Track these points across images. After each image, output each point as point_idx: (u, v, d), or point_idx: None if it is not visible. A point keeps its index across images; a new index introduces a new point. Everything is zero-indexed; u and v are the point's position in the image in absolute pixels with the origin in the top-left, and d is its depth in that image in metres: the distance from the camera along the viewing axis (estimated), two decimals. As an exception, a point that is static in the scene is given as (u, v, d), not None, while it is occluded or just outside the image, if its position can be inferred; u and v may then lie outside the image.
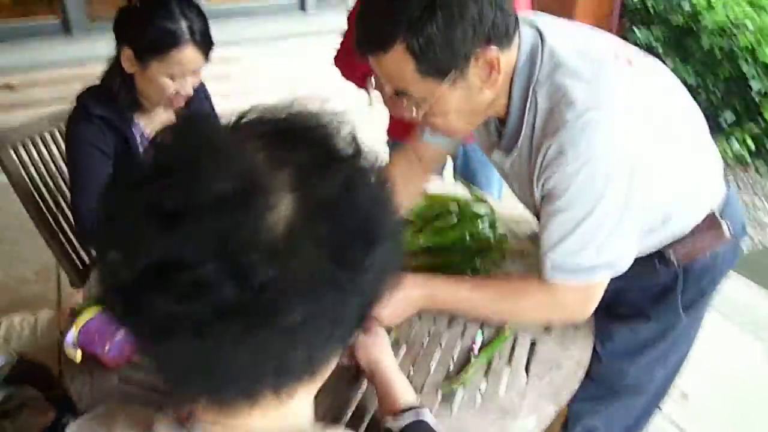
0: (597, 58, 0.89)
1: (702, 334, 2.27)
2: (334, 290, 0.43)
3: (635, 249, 0.95)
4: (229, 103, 3.57)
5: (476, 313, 1.10)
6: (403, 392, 0.89)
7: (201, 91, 1.72)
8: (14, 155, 1.65)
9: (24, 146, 1.69)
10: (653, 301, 1.11)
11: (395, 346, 1.12)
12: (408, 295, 1.05)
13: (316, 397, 0.55)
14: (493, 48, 0.85)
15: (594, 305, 0.99)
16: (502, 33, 0.86)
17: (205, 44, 1.44)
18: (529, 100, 0.91)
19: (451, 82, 0.87)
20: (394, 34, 0.83)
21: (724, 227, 1.01)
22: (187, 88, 1.47)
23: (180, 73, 1.44)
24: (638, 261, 1.07)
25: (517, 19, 0.89)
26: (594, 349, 1.19)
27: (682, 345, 1.18)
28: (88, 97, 1.50)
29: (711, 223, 1.02)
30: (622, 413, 1.27)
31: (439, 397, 1.01)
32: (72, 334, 1.06)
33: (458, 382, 1.02)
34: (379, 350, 0.94)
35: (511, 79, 0.91)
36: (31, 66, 3.18)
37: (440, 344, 1.13)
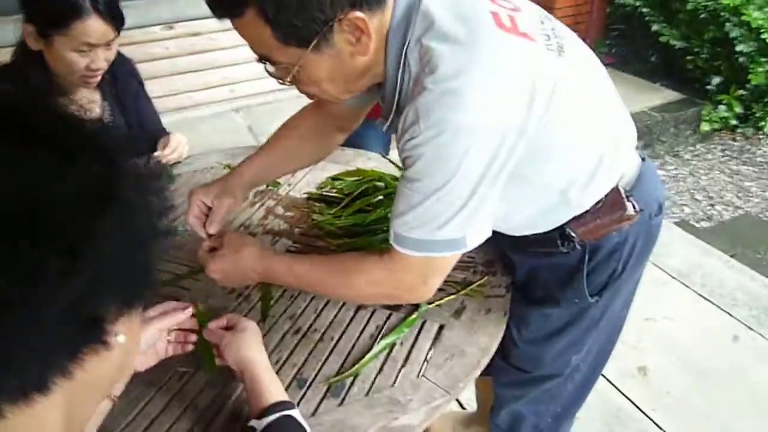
0: (476, 21, 0.81)
1: (671, 305, 2.24)
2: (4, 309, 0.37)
3: (488, 229, 0.88)
4: (199, 78, 3.47)
5: (315, 290, 1.06)
6: (270, 389, 0.84)
7: (126, 67, 1.65)
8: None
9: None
10: (561, 284, 1.04)
11: (295, 334, 1.07)
12: (240, 267, 1.02)
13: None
14: (358, 12, 0.78)
15: (436, 282, 0.91)
16: None
17: (112, 14, 1.37)
18: (401, 64, 0.83)
19: (315, 50, 0.80)
20: None
21: (629, 205, 0.94)
22: (99, 62, 1.40)
23: (88, 47, 1.37)
24: (542, 238, 1.01)
25: None
26: (511, 335, 1.14)
27: (601, 330, 1.12)
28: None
29: (614, 200, 0.94)
30: (547, 399, 1.22)
31: (328, 389, 0.96)
32: None
33: (348, 374, 0.98)
34: (246, 347, 0.88)
35: (386, 42, 0.84)
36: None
37: (343, 332, 1.08)
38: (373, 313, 1.11)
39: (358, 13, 0.77)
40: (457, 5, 0.83)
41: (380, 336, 1.06)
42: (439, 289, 0.99)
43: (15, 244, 0.37)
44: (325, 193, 1.48)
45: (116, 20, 1.38)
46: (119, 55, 1.51)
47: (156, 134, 1.66)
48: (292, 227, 1.37)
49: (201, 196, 1.12)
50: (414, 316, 1.09)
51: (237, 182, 1.15)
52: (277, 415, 0.80)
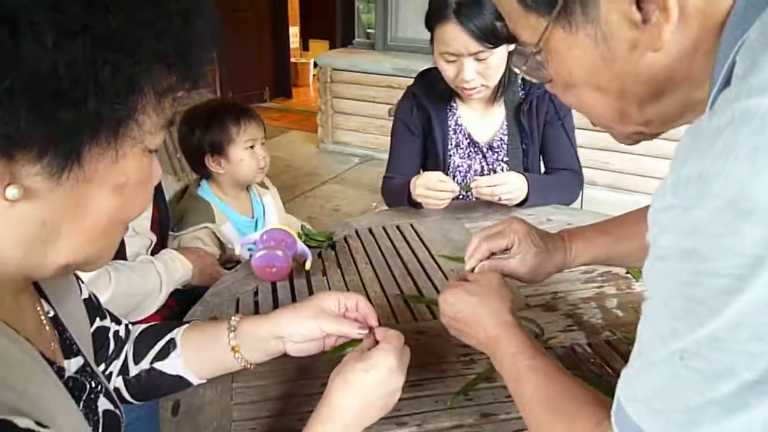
0: None
1: None
2: None
3: None
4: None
5: (517, 401, 0.66)
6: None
7: (545, 90, 1.49)
8: None
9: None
10: None
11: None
12: (475, 316, 0.75)
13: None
14: None
15: None
16: None
17: (476, 24, 1.24)
18: (724, 71, 0.40)
19: (563, 20, 0.47)
20: None
21: None
22: (466, 73, 1.30)
23: (450, 55, 1.30)
24: None
25: None
26: None
27: None
28: (422, 75, 1.53)
29: None
30: None
31: None
32: (254, 236, 1.16)
33: None
34: (336, 386, 0.67)
35: (719, 37, 0.43)
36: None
37: None
38: None
39: None
40: None
41: None
42: None
43: None
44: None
45: (481, 32, 1.24)
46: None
47: (567, 166, 1.48)
48: (603, 329, 0.97)
49: (499, 239, 0.89)
50: None
51: (560, 245, 0.89)
52: None
